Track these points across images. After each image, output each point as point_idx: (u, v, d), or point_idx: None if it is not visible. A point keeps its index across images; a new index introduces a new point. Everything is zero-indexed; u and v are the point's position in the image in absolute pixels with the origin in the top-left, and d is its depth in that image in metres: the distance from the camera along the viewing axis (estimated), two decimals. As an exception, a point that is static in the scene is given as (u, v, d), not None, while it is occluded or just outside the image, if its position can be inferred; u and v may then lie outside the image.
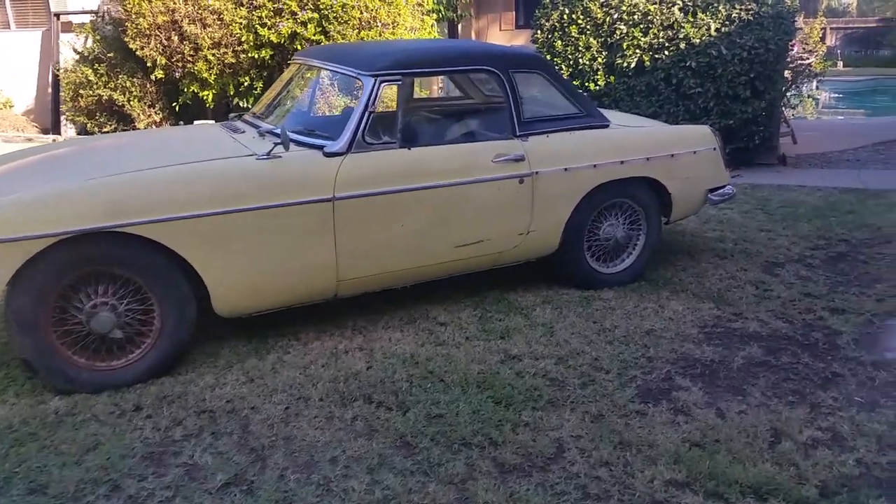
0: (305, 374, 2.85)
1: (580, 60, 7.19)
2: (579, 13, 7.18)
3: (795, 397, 2.74)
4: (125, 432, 2.44)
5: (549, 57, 7.28)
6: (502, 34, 15.47)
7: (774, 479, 2.22)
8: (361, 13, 7.18)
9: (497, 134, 3.52)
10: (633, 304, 3.59)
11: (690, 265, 4.19)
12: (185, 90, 7.58)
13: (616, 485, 2.21)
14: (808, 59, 7.77)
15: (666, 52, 6.80)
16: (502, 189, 3.41)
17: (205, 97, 7.53)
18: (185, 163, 2.93)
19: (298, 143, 3.10)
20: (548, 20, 7.43)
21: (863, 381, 2.86)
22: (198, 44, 7.13)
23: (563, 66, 7.26)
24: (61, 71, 8.79)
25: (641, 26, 6.89)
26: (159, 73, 7.45)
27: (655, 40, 6.83)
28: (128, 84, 7.85)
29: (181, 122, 7.81)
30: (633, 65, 6.93)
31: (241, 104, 7.49)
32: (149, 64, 7.45)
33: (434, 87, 9.06)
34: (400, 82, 3.26)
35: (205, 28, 7.13)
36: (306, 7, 7.08)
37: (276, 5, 7.08)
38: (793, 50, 7.40)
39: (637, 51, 6.91)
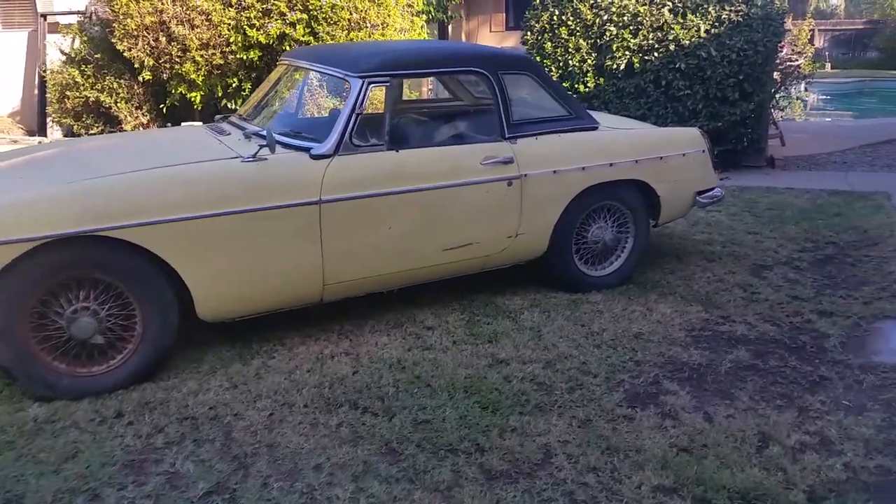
0: (290, 379, 2.82)
1: (570, 62, 7.19)
2: (569, 15, 7.18)
3: (783, 401, 2.73)
4: (105, 440, 2.40)
5: (538, 58, 7.28)
6: (492, 36, 15.48)
7: (762, 485, 2.21)
8: (351, 14, 7.15)
9: (486, 136, 3.51)
10: (621, 308, 3.58)
11: (678, 268, 4.19)
12: (173, 92, 7.52)
13: (603, 491, 2.19)
14: (797, 60, 7.81)
15: (655, 54, 6.81)
16: (491, 192, 3.40)
17: (193, 99, 7.47)
18: (169, 165, 2.89)
19: (285, 146, 3.07)
20: (538, 22, 7.42)
21: (850, 385, 2.86)
22: (186, 45, 7.07)
23: (553, 68, 7.26)
24: (48, 72, 8.70)
25: (631, 28, 6.89)
26: (147, 75, 7.39)
27: (645, 42, 6.84)
28: (115, 85, 7.77)
29: (169, 124, 7.74)
30: (622, 67, 6.94)
31: (229, 106, 7.44)
32: (136, 65, 7.38)
33: (424, 89, 9.04)
34: (388, 83, 3.24)
35: (193, 29, 7.07)
36: (295, 8, 7.04)
37: (264, 6, 7.03)
38: (782, 51, 7.43)
39: (626, 52, 6.91)
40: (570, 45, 7.17)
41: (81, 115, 8.08)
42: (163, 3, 7.10)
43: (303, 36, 7.03)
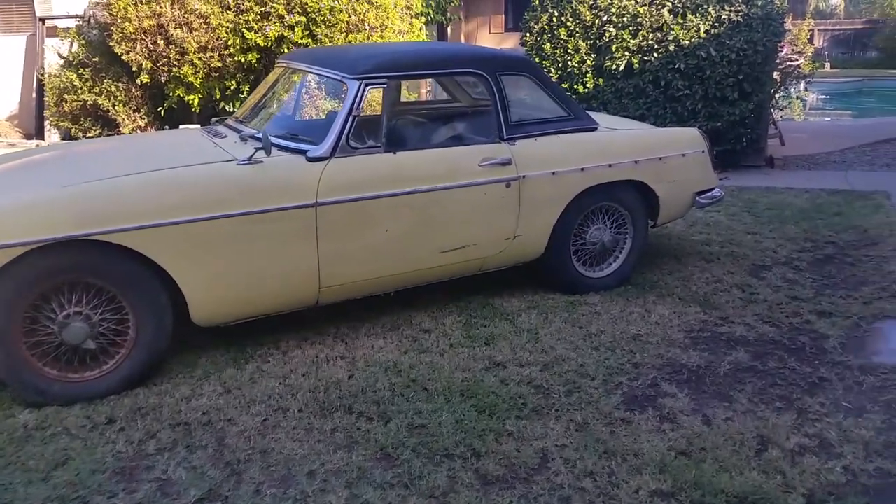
0: (285, 383, 2.80)
1: (569, 63, 7.17)
2: (568, 16, 7.16)
3: (782, 403, 2.70)
4: (97, 446, 2.38)
5: (537, 59, 7.26)
6: (491, 37, 15.48)
7: (761, 488, 2.19)
8: (349, 16, 7.13)
9: (484, 137, 3.49)
10: (619, 309, 3.55)
11: (677, 269, 4.16)
12: (171, 94, 7.50)
13: (601, 496, 2.17)
14: (797, 60, 7.78)
15: (655, 55, 6.78)
16: (489, 193, 3.38)
17: (191, 101, 7.46)
18: (164, 168, 2.87)
19: (281, 148, 3.05)
20: (537, 23, 7.41)
21: (850, 386, 2.83)
22: (184, 48, 7.06)
23: (552, 69, 7.24)
24: (46, 76, 8.70)
25: (630, 28, 6.88)
26: (145, 78, 7.38)
27: (644, 42, 6.82)
28: (113, 89, 7.77)
29: (167, 127, 7.73)
30: (621, 67, 6.92)
31: (227, 108, 7.42)
32: (134, 68, 7.37)
33: (423, 91, 9.03)
34: (385, 85, 3.22)
35: (191, 32, 7.06)
36: (294, 10, 7.03)
37: (263, 9, 7.02)
38: (782, 51, 7.41)
39: (626, 53, 6.89)
40: (570, 46, 7.15)
41: (79, 118, 8.08)
42: (161, 7, 7.09)
43: (301, 38, 7.01)
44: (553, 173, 3.52)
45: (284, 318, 3.20)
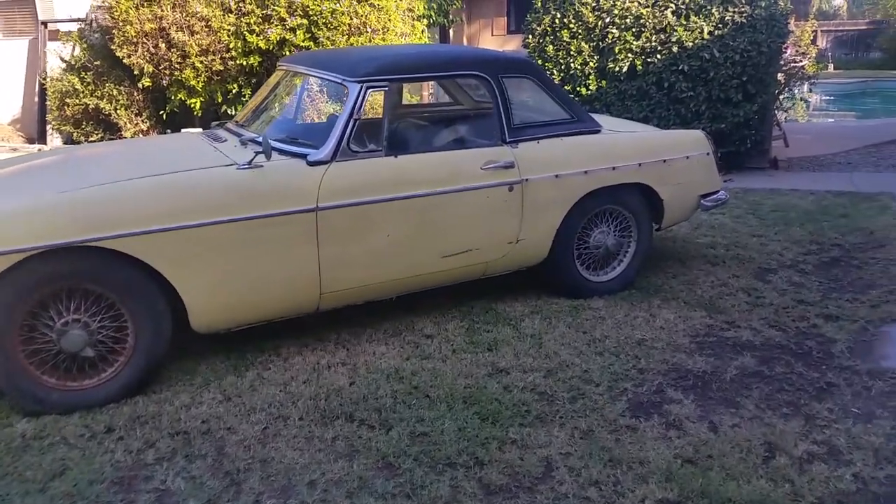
0: (285, 391, 2.77)
1: (572, 65, 7.14)
2: (571, 17, 7.13)
3: (790, 409, 2.67)
4: (95, 456, 2.35)
5: (540, 62, 7.24)
6: (494, 39, 15.47)
7: (769, 497, 2.15)
8: (351, 19, 7.11)
9: (486, 140, 3.46)
10: (623, 314, 3.52)
11: (681, 272, 4.13)
12: (173, 98, 7.49)
13: (606, 505, 2.13)
14: (801, 61, 7.75)
15: (658, 56, 6.75)
16: (491, 197, 3.34)
17: (192, 105, 7.44)
18: (163, 173, 2.84)
19: (281, 152, 3.02)
20: (539, 25, 7.38)
21: (858, 392, 2.79)
22: (185, 51, 7.05)
23: (555, 71, 7.21)
24: (48, 80, 8.70)
25: (633, 30, 6.84)
26: (146, 81, 7.36)
27: (648, 44, 6.78)
28: (114, 92, 7.76)
29: (168, 131, 7.72)
30: (624, 69, 6.89)
31: (229, 111, 7.41)
32: (136, 72, 7.36)
33: (425, 93, 9.00)
34: (386, 88, 3.19)
35: (192, 35, 7.05)
36: (295, 13, 7.01)
37: (264, 12, 7.01)
38: (786, 52, 7.37)
39: (629, 55, 6.86)
40: (572, 47, 7.12)
41: (81, 122, 8.07)
42: (162, 10, 7.08)
43: (303, 41, 7.00)
44: (556, 176, 3.49)
45: (285, 324, 3.17)
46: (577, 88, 7.12)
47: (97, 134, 8.02)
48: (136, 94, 7.77)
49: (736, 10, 6.61)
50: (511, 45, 13.85)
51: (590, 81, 7.09)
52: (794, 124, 9.40)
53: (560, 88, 3.94)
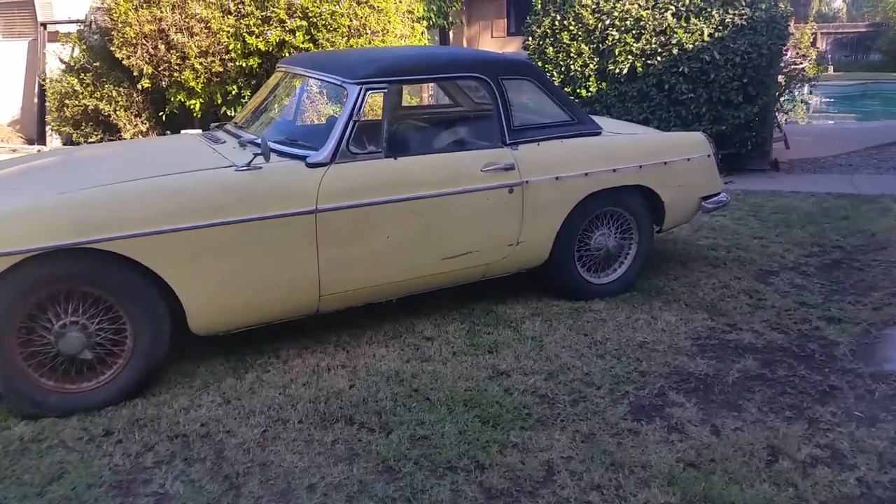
0: (285, 394, 2.75)
1: (572, 67, 7.13)
2: (571, 19, 7.12)
3: (793, 412, 2.65)
4: (93, 459, 2.33)
5: (540, 64, 7.23)
6: (494, 41, 15.47)
7: (772, 501, 2.14)
8: (351, 21, 7.11)
9: (486, 142, 3.45)
10: (624, 316, 3.50)
11: (683, 274, 4.11)
12: (172, 99, 7.48)
13: (607, 509, 2.12)
14: (801, 63, 7.74)
15: (658, 58, 6.74)
16: (491, 199, 3.33)
17: (192, 106, 7.43)
18: (161, 175, 2.83)
19: (280, 154, 3.01)
20: (539, 27, 7.37)
21: (861, 395, 2.77)
22: (185, 52, 7.04)
23: (555, 73, 7.21)
24: (47, 81, 8.69)
25: (634, 32, 6.84)
26: (146, 83, 7.36)
27: (648, 46, 6.78)
28: (114, 94, 7.75)
29: (168, 132, 7.71)
30: (625, 71, 6.88)
31: (228, 113, 7.40)
32: (135, 73, 7.35)
33: (425, 95, 9.00)
34: (386, 90, 3.18)
35: (192, 37, 7.04)
36: (295, 15, 7.00)
37: (264, 13, 7.00)
38: (786, 54, 7.37)
39: (629, 57, 6.85)
40: (572, 49, 7.11)
41: (81, 123, 8.06)
42: (162, 12, 7.07)
43: (302, 43, 6.99)
44: (556, 178, 3.48)
45: (285, 327, 3.16)
46: (578, 90, 7.12)
47: (96, 135, 8.00)
48: (135, 95, 7.76)
49: (736, 12, 6.60)
50: (511, 47, 13.85)
51: (590, 83, 7.08)
52: (794, 126, 9.39)
53: (560, 90, 3.93)
